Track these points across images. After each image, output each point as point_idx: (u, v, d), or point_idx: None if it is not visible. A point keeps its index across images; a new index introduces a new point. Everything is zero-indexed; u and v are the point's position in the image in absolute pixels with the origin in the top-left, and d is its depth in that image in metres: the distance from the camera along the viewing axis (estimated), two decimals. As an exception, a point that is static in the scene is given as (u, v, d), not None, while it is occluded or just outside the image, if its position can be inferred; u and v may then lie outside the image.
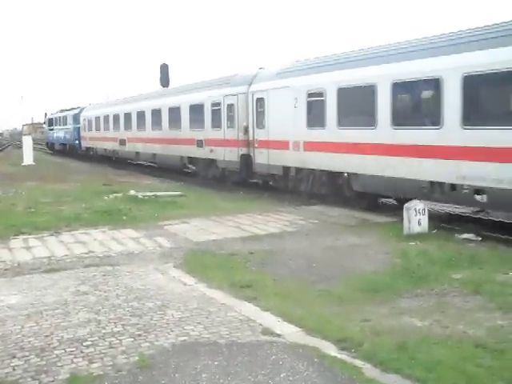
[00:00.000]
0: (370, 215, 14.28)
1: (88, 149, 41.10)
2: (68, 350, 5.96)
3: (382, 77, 13.67)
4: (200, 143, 22.74)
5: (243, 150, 19.75)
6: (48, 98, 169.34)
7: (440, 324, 6.54)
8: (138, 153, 30.84)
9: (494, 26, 11.84)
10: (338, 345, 5.98)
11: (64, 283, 8.56)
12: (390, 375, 5.26)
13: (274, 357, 5.62)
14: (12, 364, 5.62)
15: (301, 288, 8.16)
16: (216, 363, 5.50)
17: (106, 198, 18.02)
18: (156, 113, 27.64)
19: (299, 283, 8.41)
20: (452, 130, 11.90)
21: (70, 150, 42.53)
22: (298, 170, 17.09)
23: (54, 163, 39.16)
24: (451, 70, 11.89)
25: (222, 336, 6.25)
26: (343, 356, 5.70)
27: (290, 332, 6.38)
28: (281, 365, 5.43)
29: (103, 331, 6.48)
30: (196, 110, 23.10)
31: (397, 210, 13.42)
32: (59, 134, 47.10)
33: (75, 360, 5.69)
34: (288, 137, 17.20)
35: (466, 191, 11.74)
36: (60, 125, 47.77)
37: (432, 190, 12.52)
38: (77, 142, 43.07)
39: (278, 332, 6.36)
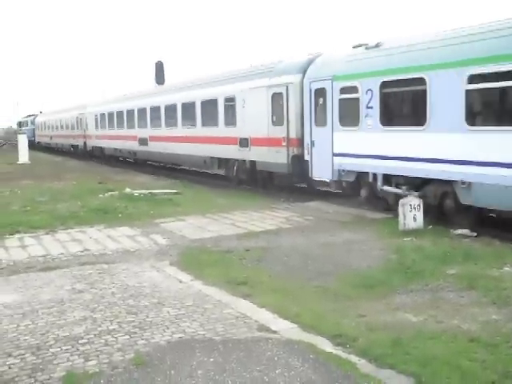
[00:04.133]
0: (367, 211, 14.31)
1: (39, 142, 60.99)
2: (64, 347, 5.97)
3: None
4: (74, 137, 44.19)
5: (84, 139, 41.02)
6: (44, 97, 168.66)
7: (435, 319, 6.57)
8: (56, 143, 52.46)
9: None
10: (333, 340, 6.00)
11: (60, 281, 8.57)
12: (385, 370, 5.28)
13: (269, 353, 5.64)
14: (8, 362, 5.63)
15: (296, 284, 8.18)
16: (211, 360, 5.51)
17: (101, 196, 18.02)
18: (61, 121, 48.70)
19: (295, 280, 8.43)
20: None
21: (30, 143, 58.23)
22: (98, 147, 37.97)
23: (50, 162, 39.11)
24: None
25: (217, 333, 6.27)
26: (338, 352, 5.72)
27: (286, 328, 6.40)
28: (276, 361, 5.45)
29: (99, 329, 6.50)
30: (72, 120, 44.52)
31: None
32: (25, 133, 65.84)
33: (71, 358, 5.70)
34: (90, 133, 39.29)
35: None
36: (25, 126, 68.44)
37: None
38: (33, 138, 61.41)
39: (274, 328, 6.38)
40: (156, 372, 5.30)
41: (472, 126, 11.22)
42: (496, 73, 10.71)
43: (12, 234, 12.37)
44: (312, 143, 15.96)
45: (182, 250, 10.56)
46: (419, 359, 5.39)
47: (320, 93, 15.59)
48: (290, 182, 17.82)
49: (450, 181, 11.84)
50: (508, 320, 6.45)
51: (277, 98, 17.15)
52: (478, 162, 11.07)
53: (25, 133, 45.46)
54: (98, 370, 5.39)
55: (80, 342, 6.12)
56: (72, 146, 45.33)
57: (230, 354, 5.66)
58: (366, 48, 14.50)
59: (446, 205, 12.30)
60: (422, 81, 12.23)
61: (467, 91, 11.25)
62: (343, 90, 14.78)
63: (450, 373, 5.11)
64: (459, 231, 11.23)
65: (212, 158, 21.39)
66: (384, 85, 13.37)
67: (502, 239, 10.57)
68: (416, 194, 12.52)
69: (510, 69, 10.42)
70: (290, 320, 6.65)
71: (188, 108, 23.29)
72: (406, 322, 6.52)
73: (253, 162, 18.56)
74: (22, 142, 38.54)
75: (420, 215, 11.59)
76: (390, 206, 13.78)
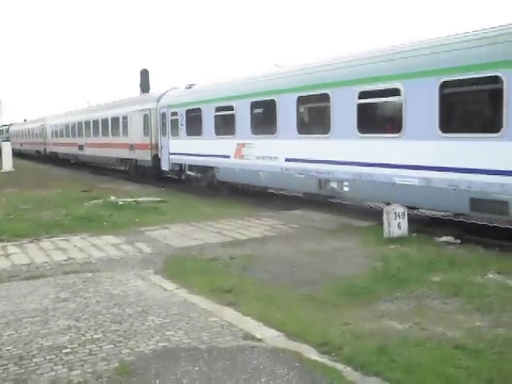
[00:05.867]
0: (351, 219, 14.36)
1: (12, 149, 69.67)
2: (48, 357, 5.91)
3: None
4: (37, 144, 53.06)
5: (44, 146, 50.33)
6: (27, 103, 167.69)
7: (419, 326, 6.60)
8: (25, 149, 59.40)
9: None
10: (318, 349, 5.99)
11: (44, 290, 8.50)
12: (371, 378, 5.29)
13: (254, 361, 5.63)
14: (-10, 373, 5.56)
15: (282, 292, 8.17)
16: (197, 368, 5.49)
17: (86, 204, 17.92)
18: (29, 131, 57.87)
19: (280, 288, 8.42)
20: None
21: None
22: (54, 152, 46.17)
23: (34, 170, 38.82)
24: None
25: (202, 341, 6.24)
26: (324, 360, 5.72)
27: (271, 336, 6.39)
28: (261, 369, 5.43)
29: (83, 338, 6.44)
30: (36, 130, 54.07)
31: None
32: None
33: (55, 368, 5.64)
34: (48, 141, 49.00)
35: None
36: (1, 134, 74.82)
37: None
38: None
39: (259, 336, 6.36)
40: (141, 381, 5.26)
41: (217, 135, 19.79)
42: (224, 107, 19.39)
43: (-5, 243, 12.26)
44: (161, 147, 24.74)
45: (166, 258, 10.52)
46: (404, 366, 5.40)
47: (164, 115, 24.38)
48: (153, 172, 26.39)
49: (213, 167, 20.20)
50: (492, 326, 6.49)
51: (146, 118, 26.44)
52: (219, 155, 19.62)
53: (9, 140, 45.58)
54: (82, 379, 5.34)
55: (64, 351, 6.06)
56: (36, 151, 54.32)
57: (215, 362, 5.64)
58: (186, 88, 23.45)
59: (214, 181, 20.61)
60: (200, 110, 20.98)
61: (215, 116, 20.00)
62: (172, 114, 23.49)
63: (435, 380, 5.13)
64: (444, 238, 11.31)
65: (118, 158, 30.95)
66: (187, 111, 22.14)
67: (486, 246, 10.66)
68: (200, 175, 21.68)
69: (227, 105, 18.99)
70: (275, 328, 6.64)
71: (105, 123, 32.80)
72: (391, 330, 6.53)
73: (136, 160, 28.03)
74: (6, 149, 38.20)
75: (405, 223, 11.65)
76: (193, 184, 22.47)
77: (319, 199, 16.61)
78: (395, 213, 11.53)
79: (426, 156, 11.75)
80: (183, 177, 23.24)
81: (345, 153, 13.79)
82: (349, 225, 13.71)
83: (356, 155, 13.43)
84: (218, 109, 19.61)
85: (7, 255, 11.08)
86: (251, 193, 20.66)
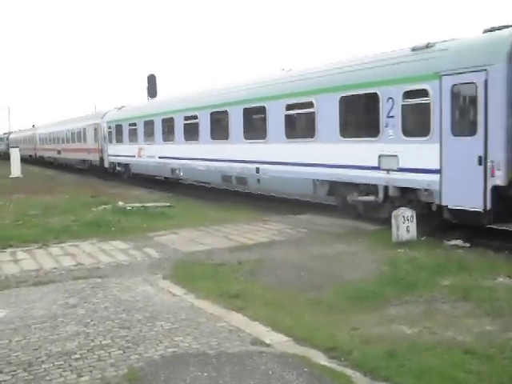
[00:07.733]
0: (359, 223, 14.31)
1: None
2: (56, 363, 5.91)
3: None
4: (29, 149, 63.19)
5: (35, 151, 61.59)
6: (37, 109, 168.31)
7: (429, 331, 6.56)
8: (21, 154, 58.40)
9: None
10: (327, 353, 5.97)
11: (52, 296, 8.51)
12: (380, 383, 5.26)
13: (263, 367, 5.61)
14: (-1, 379, 5.57)
15: (290, 297, 8.16)
16: (205, 374, 5.47)
17: (94, 209, 17.95)
18: (24, 138, 68.20)
19: (288, 292, 8.40)
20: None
21: (3, 155, 70.14)
22: (41, 156, 57.88)
23: (42, 175, 38.97)
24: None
25: (211, 346, 6.23)
26: (333, 365, 5.70)
27: (280, 341, 6.37)
28: (270, 375, 5.42)
29: (92, 344, 6.45)
30: (29, 137, 65.56)
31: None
32: (1, 146, 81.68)
33: (64, 373, 5.64)
34: (38, 147, 60.60)
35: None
36: (2, 141, 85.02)
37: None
38: (8, 150, 69.96)
39: (268, 342, 6.34)
40: (149, 387, 5.25)
41: (130, 142, 29.19)
42: (133, 123, 29.35)
43: (4, 248, 12.30)
44: (104, 151, 33.96)
45: (175, 263, 10.51)
46: (414, 371, 5.38)
47: (104, 128, 33.61)
48: (101, 169, 34.93)
49: (128, 163, 30.13)
50: (502, 331, 6.45)
51: (96, 130, 35.62)
52: (131, 156, 29.28)
53: (17, 146, 45.99)
54: (90, 385, 5.34)
55: (73, 357, 6.07)
56: (29, 155, 62.64)
57: (223, 368, 5.62)
58: (117, 109, 33.02)
59: (130, 173, 29.98)
60: (121, 125, 30.45)
61: (129, 130, 29.61)
62: (109, 127, 32.89)
63: (445, 385, 5.09)
64: (453, 242, 11.26)
65: (81, 159, 40.06)
66: (116, 126, 31.60)
67: (495, 249, 10.61)
68: (123, 170, 31.17)
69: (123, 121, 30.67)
70: (283, 333, 6.62)
71: (73, 133, 42.46)
72: (401, 334, 6.50)
73: (91, 161, 37.18)
74: (15, 155, 38.29)
75: (413, 226, 11.60)
76: (120, 176, 31.78)
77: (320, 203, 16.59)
78: (404, 216, 11.49)
79: (207, 152, 20.80)
80: (116, 171, 32.38)
81: (179, 151, 23.33)
82: (356, 229, 13.67)
83: (183, 152, 22.99)
84: (130, 124, 29.34)
85: (16, 261, 11.11)
86: (257, 196, 20.68)
